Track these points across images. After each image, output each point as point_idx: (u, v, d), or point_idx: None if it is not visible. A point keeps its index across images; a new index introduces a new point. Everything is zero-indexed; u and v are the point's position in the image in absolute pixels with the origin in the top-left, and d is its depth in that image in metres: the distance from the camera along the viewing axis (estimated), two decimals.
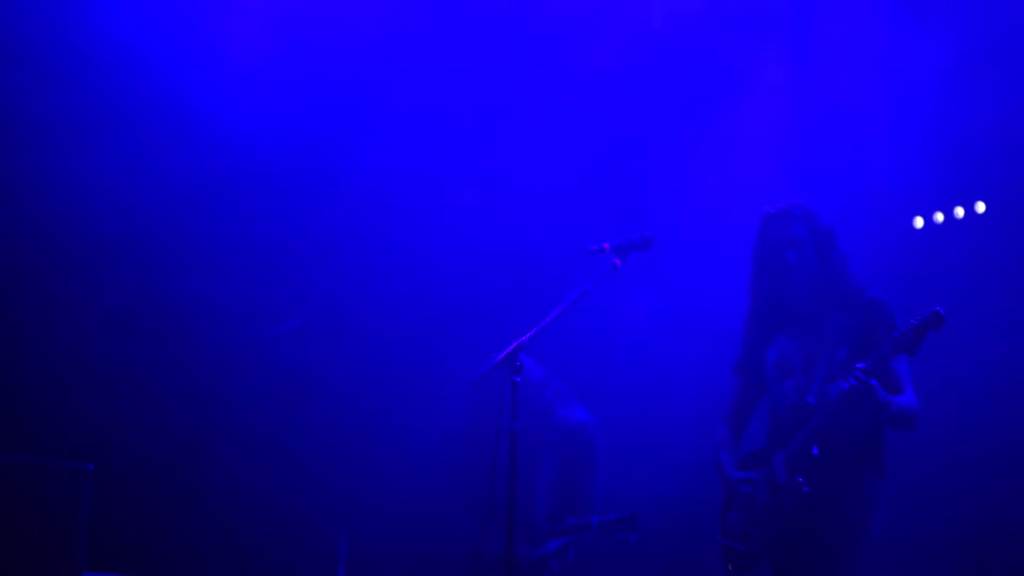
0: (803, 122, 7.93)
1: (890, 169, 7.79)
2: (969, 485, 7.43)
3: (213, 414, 8.09)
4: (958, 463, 7.46)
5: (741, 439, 5.43)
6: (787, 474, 5.03)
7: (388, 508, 7.97)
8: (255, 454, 8.04)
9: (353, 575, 7.94)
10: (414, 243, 8.28)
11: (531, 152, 8.19)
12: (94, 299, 7.96)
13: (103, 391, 7.92)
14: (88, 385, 7.91)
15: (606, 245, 5.26)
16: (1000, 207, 7.83)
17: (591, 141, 8.20)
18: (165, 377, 8.07)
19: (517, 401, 6.36)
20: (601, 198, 8.06)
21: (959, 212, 7.89)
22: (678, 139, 8.06)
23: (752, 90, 7.98)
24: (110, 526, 7.50)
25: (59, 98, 7.70)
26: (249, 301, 8.16)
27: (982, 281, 7.61)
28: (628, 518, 6.42)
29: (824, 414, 4.97)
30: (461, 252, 8.20)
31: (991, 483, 7.41)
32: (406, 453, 7.97)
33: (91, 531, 7.03)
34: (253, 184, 8.10)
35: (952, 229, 7.95)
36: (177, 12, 7.79)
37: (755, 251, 5.32)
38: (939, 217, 7.99)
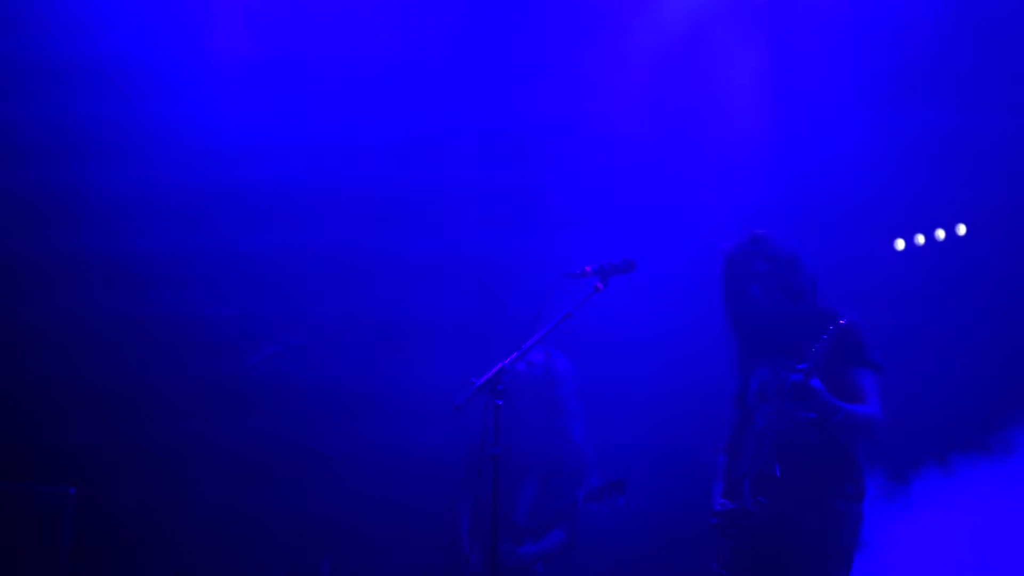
0: (784, 141, 7.96)
1: (872, 191, 7.82)
2: None
3: (196, 437, 8.06)
4: None
5: (736, 468, 5.43)
6: (752, 498, 5.03)
7: (370, 530, 7.96)
8: (238, 478, 8.02)
9: None
10: (400, 264, 8.29)
11: (517, 171, 8.22)
12: (78, 317, 7.94)
13: (86, 414, 7.88)
14: (71, 407, 7.87)
15: (588, 268, 5.27)
16: (981, 228, 7.87)
17: (572, 160, 8.24)
18: (148, 399, 8.04)
19: (525, 399, 6.43)
20: (585, 219, 8.08)
21: (940, 234, 7.93)
22: (658, 157, 8.10)
23: (732, 111, 8.01)
24: (93, 551, 7.47)
25: (57, 112, 7.71)
26: (234, 320, 8.14)
27: (964, 301, 7.65)
28: (614, 484, 6.36)
29: (779, 431, 4.98)
30: (446, 274, 8.22)
31: None
32: (389, 474, 7.98)
33: (73, 556, 7.00)
34: (245, 198, 8.11)
35: (934, 251, 8.00)
36: (176, 25, 7.82)
37: (723, 290, 5.35)
38: (920, 239, 8.03)
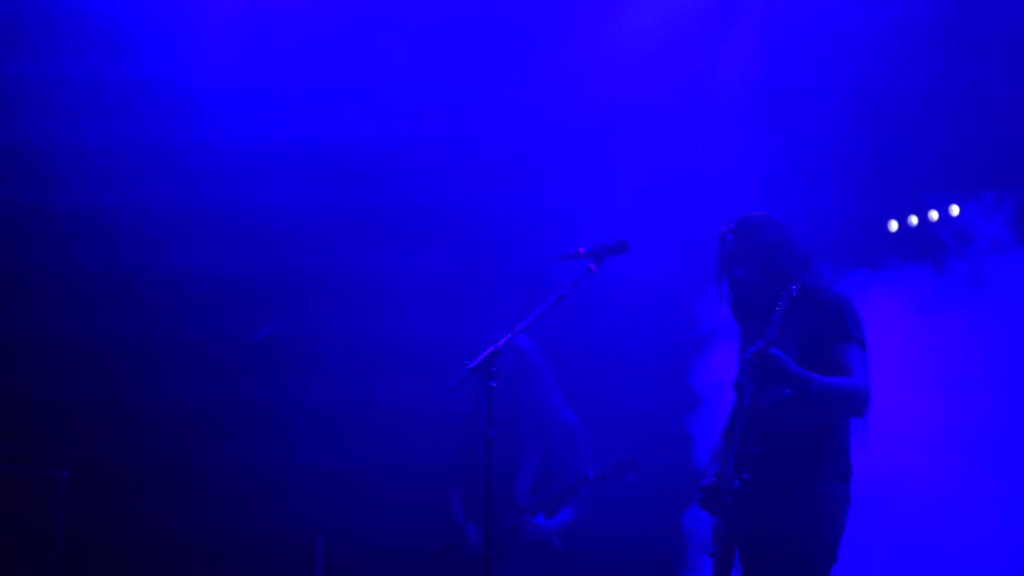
0: (776, 121, 7.97)
1: (866, 172, 7.83)
2: None
3: (189, 418, 8.08)
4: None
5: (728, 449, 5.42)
6: (736, 475, 5.01)
7: (364, 510, 7.98)
8: (231, 459, 8.03)
9: None
10: (390, 247, 8.31)
11: (510, 155, 8.24)
12: (71, 306, 7.94)
13: (80, 398, 7.89)
14: (65, 393, 7.87)
15: (581, 249, 5.26)
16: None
17: (568, 142, 8.25)
18: (142, 382, 8.05)
19: (515, 385, 6.44)
20: (577, 201, 8.09)
21: (933, 215, 7.92)
22: (648, 138, 8.11)
23: (726, 91, 8.03)
24: (86, 534, 7.48)
25: (63, 126, 7.74)
26: (229, 308, 8.15)
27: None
28: (626, 461, 6.40)
29: (757, 409, 4.97)
30: (437, 256, 8.23)
31: None
32: (381, 455, 7.99)
33: (66, 539, 7.02)
34: (241, 203, 8.13)
35: (927, 232, 7.99)
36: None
37: (717, 273, 5.34)
38: (913, 220, 8.03)
